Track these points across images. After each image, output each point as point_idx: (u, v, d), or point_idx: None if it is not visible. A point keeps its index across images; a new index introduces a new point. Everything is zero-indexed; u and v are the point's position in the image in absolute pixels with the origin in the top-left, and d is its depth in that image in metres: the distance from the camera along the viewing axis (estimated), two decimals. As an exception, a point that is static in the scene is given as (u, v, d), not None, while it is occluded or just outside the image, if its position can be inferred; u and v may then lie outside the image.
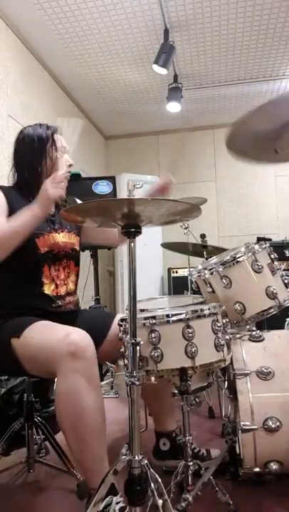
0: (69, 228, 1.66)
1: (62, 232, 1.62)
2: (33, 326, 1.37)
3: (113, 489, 1.21)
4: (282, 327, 2.22)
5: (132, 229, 1.17)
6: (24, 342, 1.34)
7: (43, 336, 1.32)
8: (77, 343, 1.25)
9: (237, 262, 1.61)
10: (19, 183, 1.60)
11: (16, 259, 1.45)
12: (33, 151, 1.56)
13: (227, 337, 1.34)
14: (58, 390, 1.26)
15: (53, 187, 1.41)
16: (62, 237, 1.60)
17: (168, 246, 3.18)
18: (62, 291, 1.58)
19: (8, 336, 1.37)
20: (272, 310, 1.60)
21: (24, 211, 1.41)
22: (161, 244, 3.19)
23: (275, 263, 1.67)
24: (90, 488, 1.26)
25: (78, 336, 1.27)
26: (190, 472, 1.30)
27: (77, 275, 1.70)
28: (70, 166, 1.60)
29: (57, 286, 1.56)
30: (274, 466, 1.38)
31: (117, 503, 1.21)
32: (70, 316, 1.58)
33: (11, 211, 1.48)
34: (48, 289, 1.53)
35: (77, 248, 1.69)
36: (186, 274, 3.72)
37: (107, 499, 1.19)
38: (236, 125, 1.34)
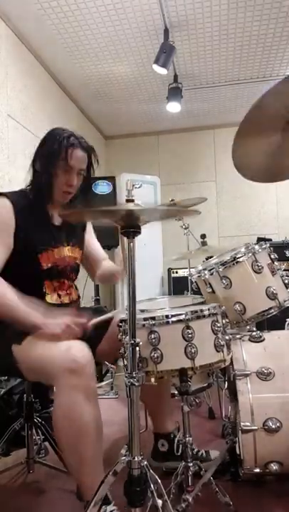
0: (74, 242, 1.63)
1: (68, 245, 1.59)
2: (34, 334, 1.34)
3: (106, 499, 1.20)
4: (282, 327, 2.21)
5: (131, 229, 1.16)
6: (25, 350, 1.33)
7: (43, 347, 1.29)
8: (78, 359, 1.22)
9: (237, 262, 1.60)
10: (35, 185, 1.53)
11: (16, 275, 1.41)
12: (49, 155, 1.50)
13: (227, 337, 1.34)
14: (56, 405, 1.25)
15: (62, 328, 1.30)
16: (67, 251, 1.58)
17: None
18: (66, 300, 1.57)
19: (9, 342, 1.35)
20: (272, 310, 1.60)
21: (34, 310, 1.31)
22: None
23: (275, 263, 1.66)
24: (86, 499, 1.24)
25: (78, 351, 1.25)
26: (190, 473, 1.29)
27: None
28: (69, 186, 1.51)
29: (60, 296, 1.55)
30: (274, 467, 1.38)
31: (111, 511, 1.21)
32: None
33: (18, 226, 1.43)
34: (51, 299, 1.52)
35: (79, 262, 1.68)
36: (186, 275, 3.71)
37: (102, 509, 1.18)
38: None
